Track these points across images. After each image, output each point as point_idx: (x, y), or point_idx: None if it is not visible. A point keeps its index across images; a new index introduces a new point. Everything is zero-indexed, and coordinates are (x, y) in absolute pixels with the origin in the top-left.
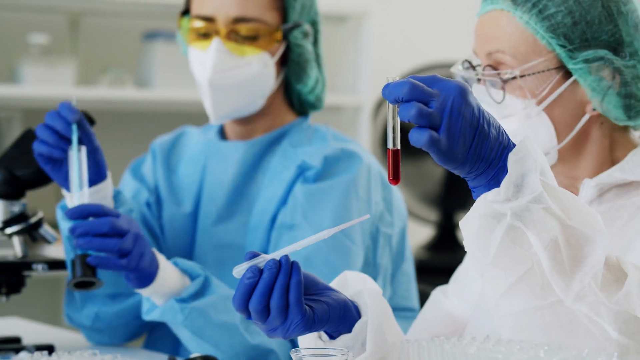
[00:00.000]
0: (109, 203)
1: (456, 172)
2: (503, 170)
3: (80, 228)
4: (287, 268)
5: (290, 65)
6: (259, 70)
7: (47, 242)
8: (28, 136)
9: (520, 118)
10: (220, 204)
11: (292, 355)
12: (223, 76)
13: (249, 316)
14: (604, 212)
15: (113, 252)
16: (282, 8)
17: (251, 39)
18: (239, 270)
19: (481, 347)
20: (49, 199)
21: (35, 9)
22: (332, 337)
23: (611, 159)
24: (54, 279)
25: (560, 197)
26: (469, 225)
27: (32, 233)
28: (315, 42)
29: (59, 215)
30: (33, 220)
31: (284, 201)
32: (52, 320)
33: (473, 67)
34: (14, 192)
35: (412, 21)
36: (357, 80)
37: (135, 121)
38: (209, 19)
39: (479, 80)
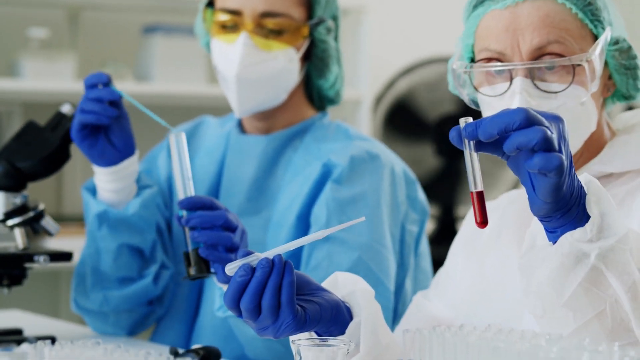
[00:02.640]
0: (125, 186)
1: (545, 210)
2: (584, 210)
3: (195, 220)
4: (279, 267)
5: (314, 61)
6: (284, 65)
7: (49, 234)
8: (29, 128)
9: (576, 105)
10: (241, 199)
11: (293, 347)
12: (250, 71)
13: (240, 314)
14: None
15: (226, 246)
16: (308, 4)
17: (278, 33)
18: (232, 267)
19: (482, 337)
20: (50, 191)
21: (34, 3)
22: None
23: (597, 142)
24: (55, 271)
25: (636, 236)
26: (537, 270)
27: (33, 225)
28: (336, 38)
29: (86, 196)
30: (34, 212)
31: (311, 199)
32: (53, 312)
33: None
34: (15, 184)
35: (411, 15)
36: (356, 74)
37: (134, 114)
38: (235, 12)
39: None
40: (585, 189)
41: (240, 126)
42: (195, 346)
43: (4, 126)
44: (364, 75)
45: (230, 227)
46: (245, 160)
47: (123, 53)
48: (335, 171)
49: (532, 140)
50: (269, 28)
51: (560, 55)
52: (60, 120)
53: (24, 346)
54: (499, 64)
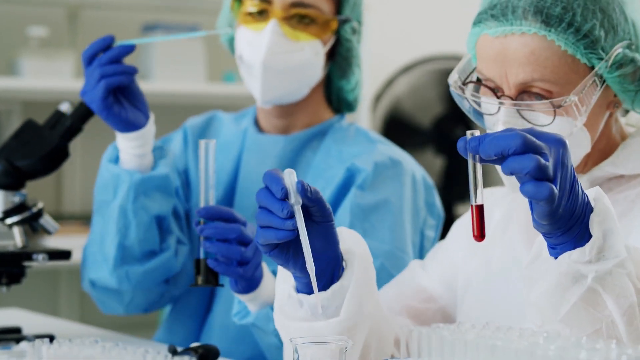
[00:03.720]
0: (149, 150)
1: (543, 229)
2: (586, 228)
3: (208, 230)
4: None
5: (338, 60)
6: (310, 57)
7: (48, 232)
8: (28, 127)
9: (566, 136)
10: None
11: (290, 344)
12: (276, 59)
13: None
14: None
15: (235, 260)
16: (338, 1)
17: (306, 24)
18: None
19: (480, 334)
20: (50, 190)
21: (34, 2)
22: (300, 289)
23: (606, 148)
24: (55, 270)
25: (637, 258)
26: (537, 282)
27: (32, 223)
28: (358, 42)
29: (114, 169)
30: (33, 210)
31: (333, 204)
32: (52, 311)
33: (495, 94)
34: (14, 183)
35: (410, 14)
36: None
37: None
38: (265, 1)
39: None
40: (593, 204)
41: (257, 125)
42: (193, 344)
43: (4, 125)
44: (364, 74)
45: (244, 241)
46: (263, 159)
47: None
48: (359, 176)
49: (525, 169)
50: (299, 17)
51: (545, 92)
52: (59, 118)
53: (23, 344)
54: (484, 98)
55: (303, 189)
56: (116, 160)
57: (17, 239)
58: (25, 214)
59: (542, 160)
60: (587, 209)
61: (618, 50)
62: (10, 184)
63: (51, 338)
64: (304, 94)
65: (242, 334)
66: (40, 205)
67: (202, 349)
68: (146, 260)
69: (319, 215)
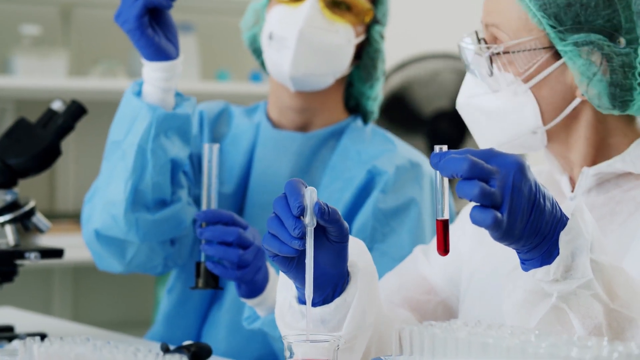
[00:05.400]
0: (174, 86)
1: (510, 247)
2: (556, 245)
3: (207, 233)
4: None
5: (364, 60)
6: (343, 42)
7: (40, 231)
8: (20, 125)
9: (507, 94)
10: (274, 196)
11: (284, 341)
12: (312, 32)
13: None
14: (603, 204)
15: (233, 262)
16: (374, 1)
17: (343, 10)
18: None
19: (472, 332)
20: (43, 189)
21: (27, 0)
22: (302, 300)
23: (608, 144)
24: (48, 269)
25: (608, 275)
26: (511, 292)
27: (24, 222)
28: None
29: (138, 103)
30: (25, 208)
31: (354, 206)
32: (45, 310)
33: (478, 39)
34: (6, 181)
35: (405, 11)
36: None
37: None
38: None
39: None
40: (569, 219)
41: (270, 120)
42: (186, 342)
43: None
44: None
45: (243, 244)
46: (279, 156)
47: (116, 50)
48: (380, 179)
49: (468, 196)
50: (336, 2)
51: (497, 42)
52: (51, 116)
53: (15, 343)
54: (460, 43)
55: (320, 211)
56: (139, 94)
57: (9, 237)
58: (17, 212)
59: (487, 187)
60: (559, 225)
61: (584, 33)
62: (2, 182)
63: (43, 336)
64: (328, 83)
65: (252, 333)
66: (32, 203)
67: (195, 347)
68: (157, 209)
69: (335, 235)
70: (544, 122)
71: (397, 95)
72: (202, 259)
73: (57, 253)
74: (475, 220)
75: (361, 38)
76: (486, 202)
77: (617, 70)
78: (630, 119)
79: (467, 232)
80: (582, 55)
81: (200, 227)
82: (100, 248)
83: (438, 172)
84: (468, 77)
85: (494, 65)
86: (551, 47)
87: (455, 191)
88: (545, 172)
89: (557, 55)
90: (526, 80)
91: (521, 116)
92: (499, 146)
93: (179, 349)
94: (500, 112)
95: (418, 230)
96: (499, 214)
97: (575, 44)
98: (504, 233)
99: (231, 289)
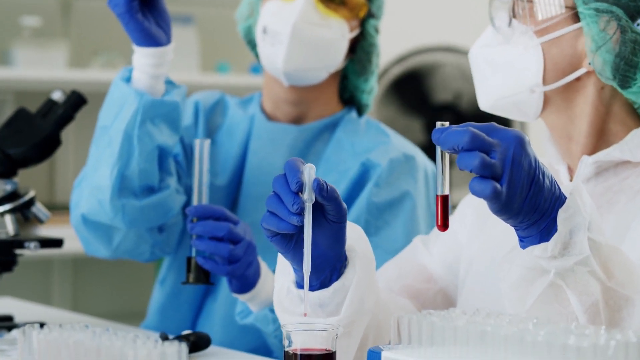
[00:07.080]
0: (164, 73)
1: (508, 222)
2: (554, 222)
3: (197, 228)
4: None
5: (358, 54)
6: (336, 37)
7: (40, 221)
8: (20, 115)
9: (518, 48)
10: (268, 188)
11: (282, 330)
12: (305, 28)
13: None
14: (602, 193)
15: (223, 257)
16: None
17: (337, 5)
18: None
19: (470, 320)
20: (43, 179)
21: None
22: (300, 284)
23: (608, 129)
24: (47, 259)
25: (605, 254)
26: (509, 272)
27: (24, 212)
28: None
29: (125, 89)
30: (25, 198)
31: (347, 198)
32: (44, 300)
33: None
34: (5, 171)
35: (403, 5)
36: None
37: None
38: None
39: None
40: (568, 197)
41: (264, 112)
42: (185, 332)
43: None
44: None
45: (234, 240)
46: (274, 148)
47: (116, 41)
48: (374, 172)
49: (469, 166)
50: None
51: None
52: (51, 106)
53: (15, 332)
54: None
55: (319, 187)
56: (128, 80)
57: (9, 227)
58: (17, 202)
59: (487, 158)
60: (558, 203)
61: (607, 4)
62: (2, 172)
63: (42, 325)
64: (322, 78)
65: (247, 326)
66: (32, 193)
67: (194, 337)
68: (144, 196)
69: (333, 215)
70: (545, 82)
71: (393, 86)
72: (193, 254)
73: (57, 243)
74: (474, 191)
75: (355, 32)
76: (486, 173)
77: (628, 44)
78: (631, 109)
79: (466, 223)
80: (600, 22)
81: (191, 222)
82: (87, 233)
83: (439, 147)
84: (488, 29)
85: (515, 12)
86: (573, 7)
87: (456, 162)
88: (544, 163)
89: (576, 18)
90: (540, 35)
91: (525, 71)
92: (496, 101)
93: (178, 338)
94: (506, 66)
95: (412, 223)
96: (498, 185)
97: (597, 10)
98: (502, 205)
99: (225, 282)
